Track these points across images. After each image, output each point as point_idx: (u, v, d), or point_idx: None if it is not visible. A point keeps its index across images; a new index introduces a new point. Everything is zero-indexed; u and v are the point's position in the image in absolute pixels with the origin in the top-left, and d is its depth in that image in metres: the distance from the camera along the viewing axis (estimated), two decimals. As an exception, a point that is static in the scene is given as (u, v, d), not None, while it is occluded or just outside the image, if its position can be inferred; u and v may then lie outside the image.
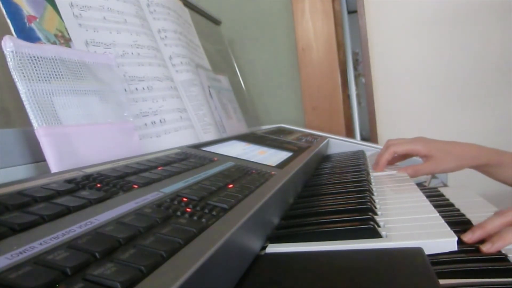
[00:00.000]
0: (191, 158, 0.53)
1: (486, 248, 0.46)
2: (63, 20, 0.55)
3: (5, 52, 0.41)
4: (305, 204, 0.55)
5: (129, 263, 0.22)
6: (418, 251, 0.36)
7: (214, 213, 0.33)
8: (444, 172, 0.81)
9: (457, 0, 1.26)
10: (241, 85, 1.32)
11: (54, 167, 0.41)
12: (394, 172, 0.76)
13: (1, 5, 0.46)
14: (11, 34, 0.46)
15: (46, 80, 0.44)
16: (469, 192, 0.79)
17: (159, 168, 0.44)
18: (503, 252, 0.46)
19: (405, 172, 0.75)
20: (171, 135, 0.66)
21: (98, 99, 0.51)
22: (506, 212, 0.49)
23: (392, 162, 0.82)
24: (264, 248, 0.40)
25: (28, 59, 0.43)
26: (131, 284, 0.20)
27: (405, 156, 0.84)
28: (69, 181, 0.34)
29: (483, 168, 0.78)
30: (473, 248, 0.47)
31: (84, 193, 0.32)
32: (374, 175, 0.75)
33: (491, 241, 0.46)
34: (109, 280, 0.19)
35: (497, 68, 1.24)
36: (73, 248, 0.22)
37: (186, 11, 0.98)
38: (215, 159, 0.55)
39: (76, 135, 0.45)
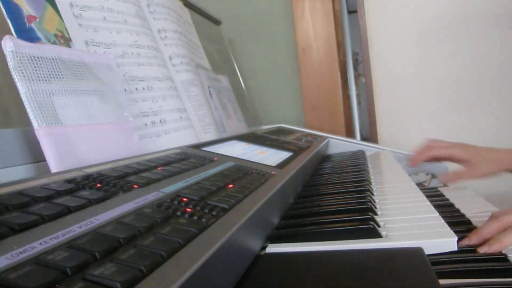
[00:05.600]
0: (191, 158, 0.53)
1: (483, 250, 0.47)
2: (63, 20, 0.55)
3: (5, 52, 0.41)
4: (305, 204, 0.55)
5: (129, 263, 0.22)
6: (418, 251, 0.36)
7: (214, 213, 0.33)
8: (483, 177, 0.80)
9: (458, 0, 1.26)
10: (241, 85, 1.32)
11: (54, 167, 0.41)
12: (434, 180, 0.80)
13: (1, 5, 0.46)
14: (11, 34, 0.46)
15: (46, 80, 0.44)
16: (469, 192, 0.79)
17: (159, 168, 0.44)
18: (503, 252, 0.46)
19: (447, 178, 0.78)
20: (171, 135, 0.66)
21: (98, 99, 0.51)
22: (500, 216, 0.50)
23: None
24: (264, 248, 0.40)
25: (28, 59, 0.43)
26: (131, 284, 0.20)
27: (439, 159, 0.86)
28: (69, 181, 0.34)
29: None
30: (473, 248, 0.48)
31: (84, 193, 0.32)
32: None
33: (488, 244, 0.47)
34: (109, 280, 0.19)
35: (498, 68, 1.24)
36: (73, 248, 0.22)
37: (186, 11, 0.98)
38: (215, 159, 0.55)
39: (76, 135, 0.45)
